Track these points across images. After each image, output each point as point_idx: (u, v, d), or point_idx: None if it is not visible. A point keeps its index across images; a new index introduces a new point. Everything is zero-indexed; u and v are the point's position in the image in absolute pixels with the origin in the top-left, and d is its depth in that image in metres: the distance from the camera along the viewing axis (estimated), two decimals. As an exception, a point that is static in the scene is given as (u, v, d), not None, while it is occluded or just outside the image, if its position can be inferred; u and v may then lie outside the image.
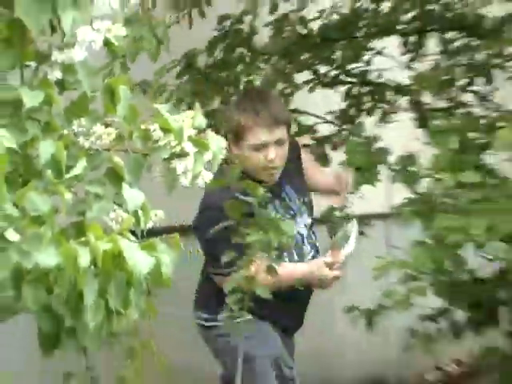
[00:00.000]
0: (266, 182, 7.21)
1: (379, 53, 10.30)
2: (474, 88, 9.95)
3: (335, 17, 10.10)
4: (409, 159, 9.09)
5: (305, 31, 10.01)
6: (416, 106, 10.04)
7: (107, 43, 5.57)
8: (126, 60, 6.85)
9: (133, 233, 5.43)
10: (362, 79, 10.48)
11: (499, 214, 8.39)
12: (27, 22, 5.10)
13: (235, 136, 7.05)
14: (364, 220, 9.85)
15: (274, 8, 9.87)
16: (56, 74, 5.45)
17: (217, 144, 6.00)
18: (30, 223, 5.26)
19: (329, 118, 10.42)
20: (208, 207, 7.69)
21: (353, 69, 10.41)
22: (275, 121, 7.09)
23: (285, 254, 7.33)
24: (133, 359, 7.31)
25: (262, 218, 6.91)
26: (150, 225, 5.62)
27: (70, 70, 5.53)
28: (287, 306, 7.46)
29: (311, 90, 10.27)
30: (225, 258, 7.00)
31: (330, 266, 7.37)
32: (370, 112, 10.46)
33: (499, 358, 9.88)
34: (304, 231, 7.48)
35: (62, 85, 5.54)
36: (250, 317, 7.18)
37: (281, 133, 7.23)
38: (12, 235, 4.90)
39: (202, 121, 5.91)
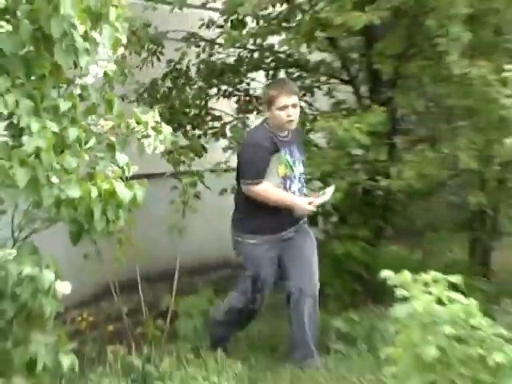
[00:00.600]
0: (285, 136, 7.59)
1: (253, 79, 10.35)
2: (305, 99, 10.14)
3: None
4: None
5: (213, 67, 10.01)
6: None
7: (105, 73, 5.72)
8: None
9: (121, 178, 5.63)
10: (246, 93, 10.47)
11: (316, 167, 8.63)
12: (61, 62, 5.27)
13: (268, 104, 7.37)
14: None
15: (198, 55, 10.04)
16: (78, 91, 5.63)
17: (167, 130, 6.23)
18: (65, 173, 5.42)
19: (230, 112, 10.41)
20: (251, 142, 7.99)
21: (241, 87, 10.41)
22: (291, 91, 7.40)
23: (288, 181, 7.56)
24: (121, 246, 7.63)
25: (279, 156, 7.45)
26: (130, 174, 5.82)
27: (85, 88, 5.72)
28: (278, 223, 7.62)
29: (218, 99, 10.26)
30: (254, 174, 7.47)
31: (310, 203, 7.50)
32: (250, 111, 10.47)
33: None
34: (297, 175, 7.61)
35: (81, 97, 5.71)
36: (254, 241, 7.65)
37: (295, 99, 7.46)
38: (55, 179, 5.09)
39: (158, 117, 6.14)
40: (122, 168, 5.80)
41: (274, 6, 9.22)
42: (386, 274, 4.83)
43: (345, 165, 8.87)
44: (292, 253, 7.78)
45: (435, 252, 10.33)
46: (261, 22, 9.39)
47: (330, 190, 7.74)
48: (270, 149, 7.47)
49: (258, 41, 9.60)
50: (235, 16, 9.35)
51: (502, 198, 9.69)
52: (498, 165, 8.83)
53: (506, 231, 11.11)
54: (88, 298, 8.54)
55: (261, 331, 8.78)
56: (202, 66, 9.94)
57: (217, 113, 10.08)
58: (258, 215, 7.55)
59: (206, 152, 9.50)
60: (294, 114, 7.38)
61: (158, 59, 9.60)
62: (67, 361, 5.58)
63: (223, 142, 9.87)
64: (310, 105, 10.08)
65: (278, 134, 7.55)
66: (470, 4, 8.33)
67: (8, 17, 5.17)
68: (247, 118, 10.26)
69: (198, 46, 9.85)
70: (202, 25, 9.80)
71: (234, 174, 8.27)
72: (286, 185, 7.57)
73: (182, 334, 8.27)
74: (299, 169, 7.63)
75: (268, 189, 7.41)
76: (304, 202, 7.46)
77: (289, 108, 7.30)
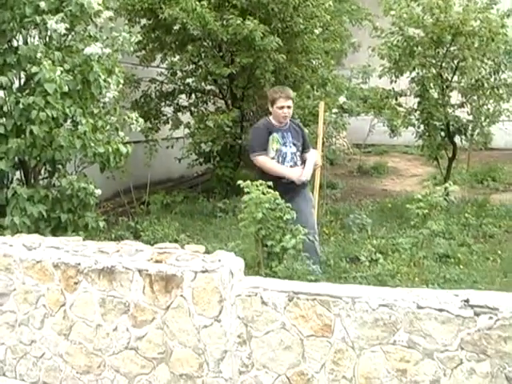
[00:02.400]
0: (281, 125, 5.65)
1: (180, 98, 9.74)
2: (205, 106, 10.09)
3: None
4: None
5: (162, 92, 9.63)
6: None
7: (113, 96, 5.72)
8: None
9: (121, 142, 5.60)
10: (177, 104, 9.72)
11: (208, 136, 8.56)
12: (94, 92, 5.26)
13: (271, 103, 5.63)
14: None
15: (155, 87, 9.61)
16: (101, 105, 5.57)
17: (141, 121, 6.19)
18: (97, 141, 5.41)
19: (170, 112, 9.77)
20: (254, 127, 6.11)
21: (175, 102, 9.71)
22: (286, 97, 5.58)
23: (279, 155, 5.66)
24: (123, 172, 7.18)
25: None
26: (125, 140, 5.81)
27: (105, 103, 5.72)
28: (286, 188, 5.35)
29: (165, 106, 9.68)
30: (255, 148, 5.68)
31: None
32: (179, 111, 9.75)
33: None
34: (290, 153, 5.63)
35: (103, 107, 5.69)
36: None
37: (289, 102, 5.61)
38: (92, 144, 5.08)
39: (137, 115, 6.11)
40: (121, 138, 5.80)
41: (188, 65, 9.16)
42: (240, 182, 4.89)
43: (221, 134, 8.70)
44: (298, 208, 5.27)
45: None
46: (184, 73, 9.29)
47: (310, 159, 5.81)
48: (264, 130, 5.70)
49: (183, 81, 9.44)
50: (172, 70, 9.24)
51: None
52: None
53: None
54: (109, 196, 8.45)
55: (192, 211, 8.59)
56: (157, 92, 9.56)
57: (165, 112, 9.59)
58: (266, 179, 5.06)
59: (160, 129, 9.40)
60: (288, 112, 5.65)
61: (137, 89, 9.41)
62: (101, 224, 5.63)
63: (167, 126, 9.52)
64: (206, 109, 9.89)
65: (273, 123, 5.71)
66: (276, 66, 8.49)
67: (71, 73, 5.15)
68: (177, 115, 9.59)
69: (155, 83, 9.60)
70: (157, 74, 9.57)
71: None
72: (279, 159, 5.69)
73: (151, 211, 8.15)
74: (291, 149, 5.72)
75: (266, 161, 5.60)
76: (293, 171, 5.60)
77: (284, 108, 5.61)
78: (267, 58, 8.33)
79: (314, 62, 9.50)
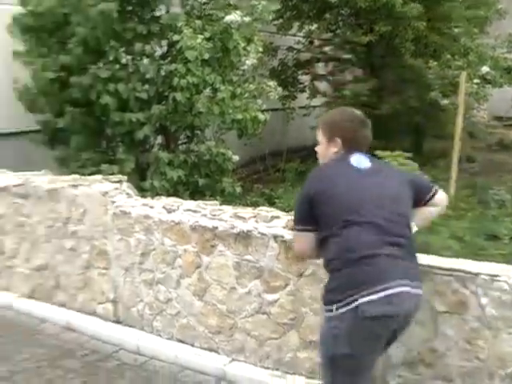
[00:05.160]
0: None
1: None
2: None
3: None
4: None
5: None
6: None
7: (252, 64, 5.67)
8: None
9: (259, 110, 5.54)
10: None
11: None
12: (234, 60, 5.17)
13: None
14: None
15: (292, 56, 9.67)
16: (240, 72, 5.52)
17: (278, 88, 6.08)
18: (235, 108, 5.38)
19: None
20: None
21: None
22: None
23: None
24: (260, 139, 7.14)
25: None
26: (263, 108, 5.77)
27: (244, 71, 5.60)
28: None
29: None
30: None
31: None
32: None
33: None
34: None
35: (242, 75, 5.64)
36: None
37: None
38: (230, 111, 5.03)
39: (275, 83, 5.99)
40: (259, 105, 5.78)
41: (326, 33, 9.00)
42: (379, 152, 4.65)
43: (358, 104, 8.32)
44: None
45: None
46: (321, 41, 9.12)
47: None
48: None
49: (320, 49, 9.25)
50: (309, 38, 9.10)
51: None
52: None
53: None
54: (244, 163, 8.46)
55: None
56: (294, 61, 9.32)
57: (301, 81, 9.34)
58: None
59: (296, 98, 9.22)
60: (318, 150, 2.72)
61: (275, 58, 9.34)
62: (238, 189, 5.70)
63: (303, 95, 9.37)
64: (343, 77, 9.68)
65: None
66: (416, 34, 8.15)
67: (211, 41, 5.20)
68: (314, 84, 9.35)
69: (292, 52, 9.34)
70: (295, 43, 9.38)
71: None
72: None
73: (286, 179, 8.06)
74: None
75: None
76: None
77: None
78: (407, 26, 8.05)
79: (455, 30, 9.05)
